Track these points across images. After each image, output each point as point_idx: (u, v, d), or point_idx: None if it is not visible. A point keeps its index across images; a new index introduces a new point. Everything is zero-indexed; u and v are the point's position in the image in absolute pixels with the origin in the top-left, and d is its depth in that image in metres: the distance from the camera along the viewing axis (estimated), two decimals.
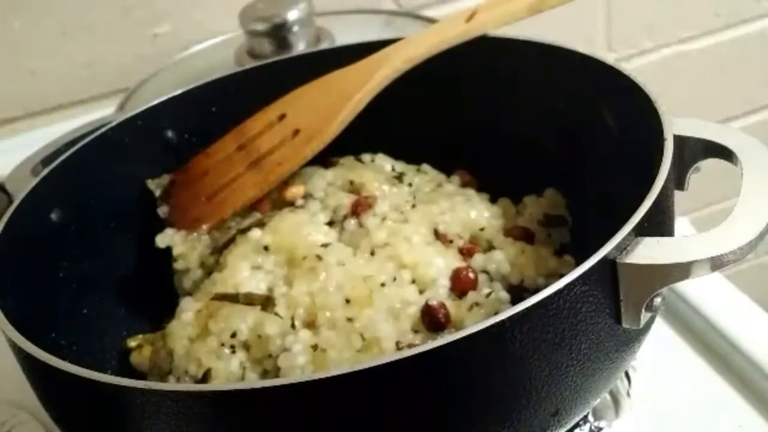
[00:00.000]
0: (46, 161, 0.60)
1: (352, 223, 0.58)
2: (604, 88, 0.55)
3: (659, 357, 0.61)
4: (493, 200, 0.62)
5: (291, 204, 0.61)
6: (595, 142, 0.57)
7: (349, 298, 0.51)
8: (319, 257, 0.54)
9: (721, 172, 0.51)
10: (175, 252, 0.60)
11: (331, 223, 0.58)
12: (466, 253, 0.56)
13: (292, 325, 0.51)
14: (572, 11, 0.63)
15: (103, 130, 0.61)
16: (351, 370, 0.37)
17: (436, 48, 0.60)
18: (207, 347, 0.52)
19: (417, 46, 0.60)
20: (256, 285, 0.54)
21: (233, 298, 0.53)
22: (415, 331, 0.50)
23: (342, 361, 0.48)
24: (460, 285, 0.53)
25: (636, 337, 0.46)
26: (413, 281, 0.53)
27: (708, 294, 0.66)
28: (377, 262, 0.54)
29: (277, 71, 0.65)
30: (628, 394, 0.58)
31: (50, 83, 0.94)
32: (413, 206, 0.59)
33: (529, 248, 0.57)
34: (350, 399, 0.38)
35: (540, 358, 0.40)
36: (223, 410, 0.38)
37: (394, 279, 0.52)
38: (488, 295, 0.52)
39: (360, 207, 0.59)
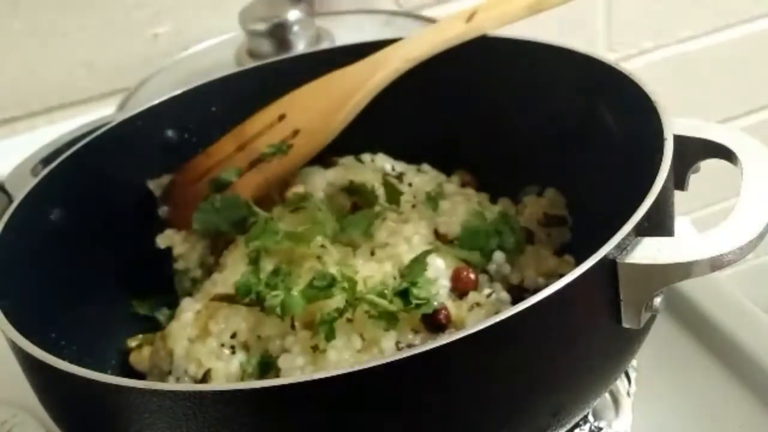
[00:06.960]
0: (46, 161, 0.60)
1: None
2: (604, 88, 0.55)
3: (659, 357, 0.61)
4: (493, 200, 0.62)
5: None
6: (595, 142, 0.57)
7: (348, 298, 0.51)
8: (318, 257, 0.54)
9: (721, 172, 0.51)
10: (175, 252, 0.60)
11: None
12: None
13: (292, 326, 0.51)
14: (572, 11, 0.63)
15: (103, 130, 0.61)
16: (351, 370, 0.37)
17: (436, 48, 0.60)
18: (207, 348, 0.52)
19: (417, 46, 0.60)
20: None
21: (233, 299, 0.53)
22: (415, 331, 0.50)
23: (342, 361, 0.48)
24: (461, 285, 0.53)
25: (636, 337, 0.46)
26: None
27: (708, 294, 0.66)
28: (377, 262, 0.54)
29: (277, 71, 0.65)
30: (628, 394, 0.58)
31: (50, 83, 0.94)
32: (413, 206, 0.59)
33: (529, 248, 0.57)
34: (350, 399, 0.38)
35: (540, 358, 0.40)
36: (223, 410, 0.38)
37: (394, 279, 0.52)
38: (489, 295, 0.52)
39: (360, 207, 0.58)
